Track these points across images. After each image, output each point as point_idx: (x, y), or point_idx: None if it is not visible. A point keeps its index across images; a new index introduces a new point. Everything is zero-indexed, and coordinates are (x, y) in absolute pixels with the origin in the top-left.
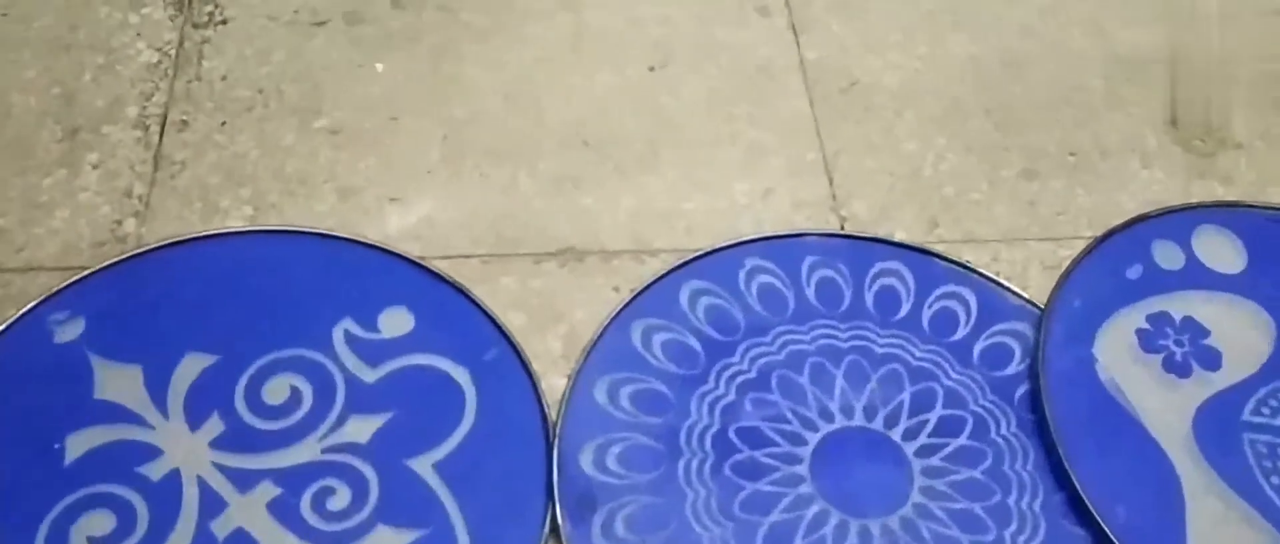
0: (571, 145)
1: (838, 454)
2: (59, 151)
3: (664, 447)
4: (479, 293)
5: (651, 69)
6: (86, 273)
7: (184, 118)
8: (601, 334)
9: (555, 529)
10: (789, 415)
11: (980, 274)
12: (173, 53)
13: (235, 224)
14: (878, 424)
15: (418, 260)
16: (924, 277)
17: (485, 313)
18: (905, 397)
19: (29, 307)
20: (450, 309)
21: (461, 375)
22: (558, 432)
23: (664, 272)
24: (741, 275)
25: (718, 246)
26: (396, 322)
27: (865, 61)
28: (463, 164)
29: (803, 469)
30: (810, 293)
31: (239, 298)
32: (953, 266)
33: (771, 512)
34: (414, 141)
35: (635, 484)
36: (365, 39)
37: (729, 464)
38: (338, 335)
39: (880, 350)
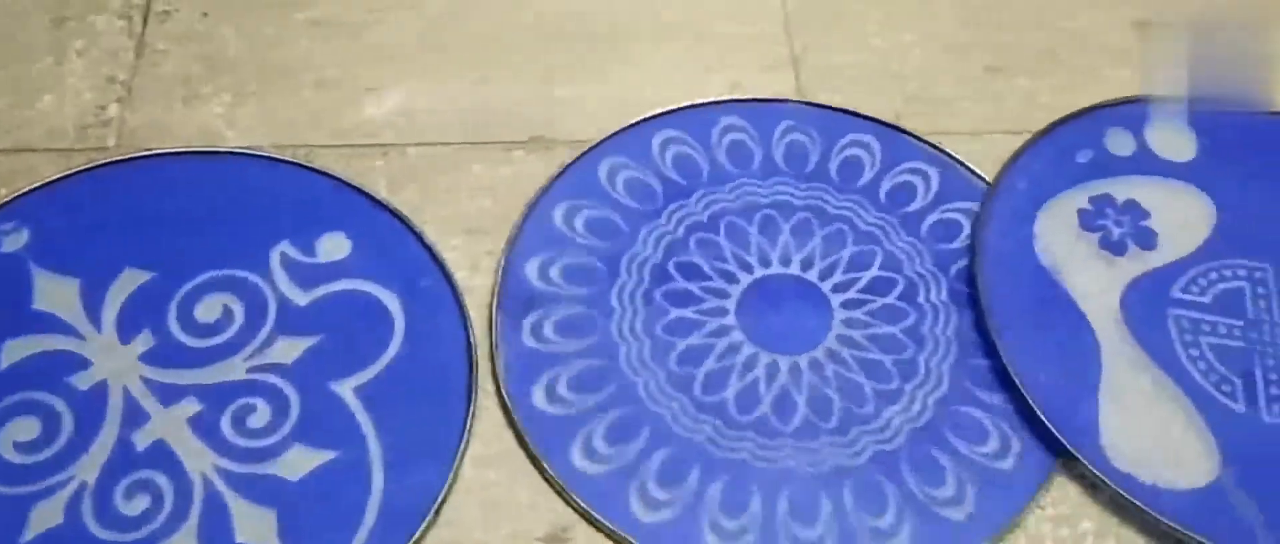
0: (547, 37)
1: (766, 295)
2: (46, 41)
3: (605, 268)
4: (445, 182)
5: None
6: (35, 186)
7: (166, 8)
8: (568, 165)
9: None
10: (729, 256)
11: (948, 154)
12: None
13: (216, 110)
14: (811, 275)
15: (359, 187)
16: (891, 150)
17: (423, 241)
18: (845, 253)
19: None
20: (388, 236)
21: (392, 302)
22: (511, 243)
23: (638, 119)
24: (714, 132)
25: (697, 103)
26: (334, 246)
27: None
28: (440, 56)
29: (729, 303)
30: (778, 155)
31: (181, 217)
32: (921, 144)
33: (690, 335)
34: (394, 33)
35: (572, 296)
36: None
37: (661, 291)
38: (275, 258)
39: (833, 211)
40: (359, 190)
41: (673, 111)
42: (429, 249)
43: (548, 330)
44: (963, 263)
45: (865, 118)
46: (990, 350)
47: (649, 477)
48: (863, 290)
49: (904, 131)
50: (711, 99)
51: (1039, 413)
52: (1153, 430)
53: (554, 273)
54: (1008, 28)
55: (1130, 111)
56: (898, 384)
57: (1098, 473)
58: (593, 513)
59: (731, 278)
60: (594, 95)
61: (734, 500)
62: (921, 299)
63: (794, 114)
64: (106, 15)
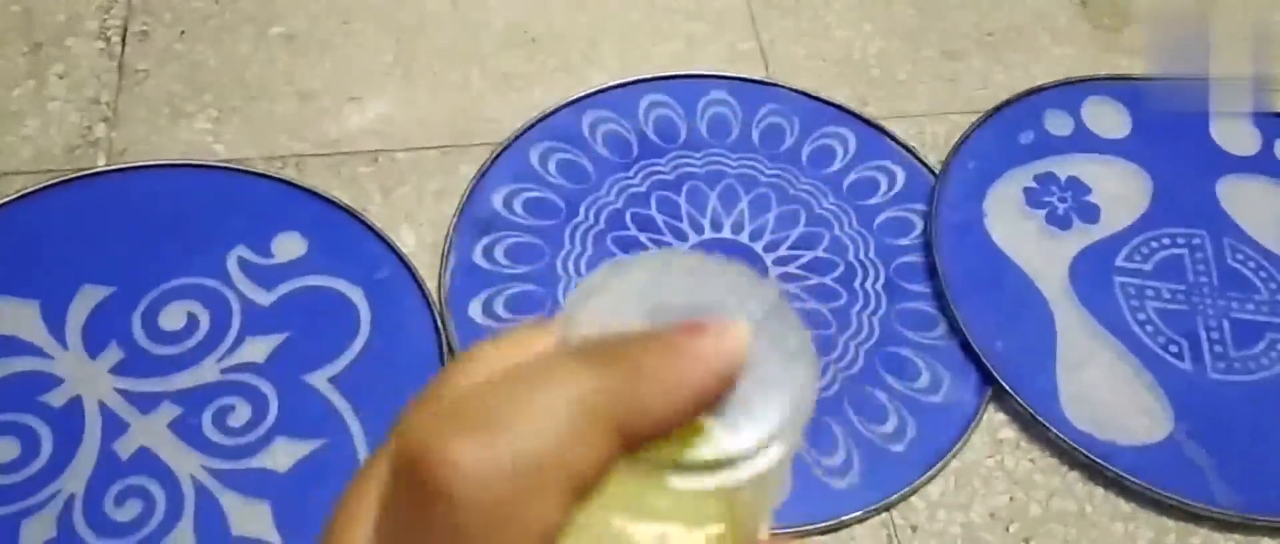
0: (519, 43)
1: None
2: (25, 65)
3: (566, 206)
4: (435, 184)
5: None
6: None
7: (144, 29)
8: (552, 112)
9: None
10: (684, 216)
11: (920, 158)
12: None
13: (202, 126)
14: (758, 246)
15: (309, 187)
16: (865, 146)
17: (377, 234)
18: (795, 231)
19: None
20: (343, 232)
21: (355, 294)
22: (481, 172)
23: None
24: (701, 102)
25: (692, 73)
26: (289, 246)
27: None
28: (415, 65)
29: None
30: (755, 133)
31: (135, 231)
32: (895, 144)
33: None
34: (367, 45)
35: (528, 225)
36: None
37: (613, 236)
38: (232, 262)
39: (793, 192)
40: (311, 192)
41: (668, 78)
42: (384, 239)
43: (498, 253)
44: (907, 258)
45: (848, 112)
46: (909, 342)
47: None
48: (803, 267)
49: (882, 131)
50: (707, 72)
51: (1000, 380)
52: (1108, 392)
53: (517, 204)
54: (959, 12)
55: (1066, 93)
56: (835, 328)
57: (1061, 435)
58: None
59: (681, 236)
60: (568, 96)
61: None
62: (857, 284)
63: (780, 98)
64: (83, 38)
